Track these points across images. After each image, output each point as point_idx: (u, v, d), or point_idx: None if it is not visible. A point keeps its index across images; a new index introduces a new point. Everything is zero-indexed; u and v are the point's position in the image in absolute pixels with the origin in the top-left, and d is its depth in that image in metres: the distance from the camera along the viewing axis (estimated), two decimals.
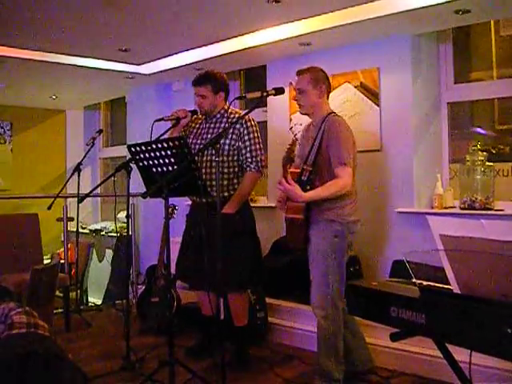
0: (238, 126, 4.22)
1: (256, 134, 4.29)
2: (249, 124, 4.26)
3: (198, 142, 4.37)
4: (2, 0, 4.01)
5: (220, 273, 3.33)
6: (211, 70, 4.43)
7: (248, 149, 4.25)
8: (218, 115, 4.38)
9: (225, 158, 4.23)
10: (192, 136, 4.44)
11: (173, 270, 4.52)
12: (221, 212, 3.54)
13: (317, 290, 3.63)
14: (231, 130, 4.21)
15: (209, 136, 4.33)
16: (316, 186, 3.58)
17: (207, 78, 4.33)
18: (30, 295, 4.04)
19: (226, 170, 4.25)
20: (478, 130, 4.95)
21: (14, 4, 4.10)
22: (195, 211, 4.44)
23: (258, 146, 4.28)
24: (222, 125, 4.33)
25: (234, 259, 4.11)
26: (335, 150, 3.56)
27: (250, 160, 4.25)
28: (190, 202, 4.65)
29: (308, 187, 3.57)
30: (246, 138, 4.25)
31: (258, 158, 4.26)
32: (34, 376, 1.32)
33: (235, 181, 4.30)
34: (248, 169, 4.26)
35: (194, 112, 4.37)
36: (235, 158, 4.27)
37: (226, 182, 4.26)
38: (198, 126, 4.49)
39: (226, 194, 4.26)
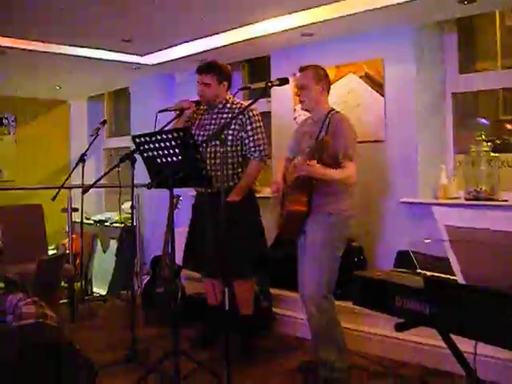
0: (240, 116, 4.24)
1: (258, 124, 4.32)
2: (251, 114, 4.29)
3: (201, 133, 4.39)
4: None
5: (225, 261, 3.35)
6: (215, 60, 4.44)
7: (251, 138, 4.28)
8: (220, 105, 4.39)
9: (228, 148, 4.25)
10: (194, 127, 4.45)
11: (178, 260, 4.52)
12: (226, 200, 3.54)
13: (310, 281, 3.66)
14: (233, 121, 4.23)
15: (212, 127, 4.36)
16: (321, 179, 3.60)
17: (212, 67, 4.35)
18: (35, 286, 4.05)
19: (230, 160, 4.28)
20: (482, 120, 4.94)
21: None
22: (200, 201, 4.47)
23: (260, 136, 4.32)
24: (225, 115, 4.36)
25: (239, 246, 4.13)
26: (343, 146, 3.61)
27: (253, 149, 4.28)
28: (194, 193, 4.66)
29: (314, 181, 3.60)
30: (249, 127, 4.27)
31: (262, 147, 4.31)
32: (44, 366, 1.32)
33: (239, 170, 4.33)
34: (252, 158, 4.30)
35: (197, 103, 4.37)
36: (238, 147, 4.31)
37: (230, 172, 4.30)
38: (200, 116, 4.50)
39: (231, 183, 4.30)
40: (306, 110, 3.95)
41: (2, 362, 1.35)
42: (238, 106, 4.39)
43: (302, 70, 3.90)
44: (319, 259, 3.64)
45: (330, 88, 3.94)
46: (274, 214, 4.04)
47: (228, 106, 4.39)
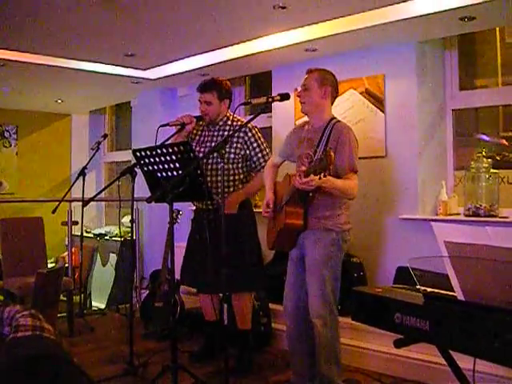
0: (241, 134, 4.28)
1: (262, 139, 4.38)
2: (254, 131, 4.33)
3: (202, 149, 4.40)
4: (8, 4, 4.04)
5: (224, 276, 3.33)
6: (217, 77, 4.46)
7: (260, 154, 4.32)
8: (221, 122, 4.41)
9: (230, 166, 4.28)
10: (195, 143, 4.46)
11: (177, 275, 4.52)
12: (224, 214, 3.50)
13: (316, 298, 3.58)
14: (235, 139, 4.26)
15: (212, 143, 4.37)
16: (320, 190, 3.50)
17: (213, 85, 4.36)
18: (34, 299, 4.04)
19: (231, 178, 4.30)
20: (483, 136, 4.94)
21: (20, 8, 4.12)
22: (199, 216, 4.47)
23: (267, 151, 4.38)
24: (225, 132, 4.38)
25: (236, 260, 4.13)
26: (347, 156, 3.53)
27: (262, 161, 4.32)
28: (193, 208, 4.66)
29: (310, 194, 3.52)
30: (255, 144, 4.32)
31: (268, 158, 4.31)
32: (41, 379, 1.32)
33: (240, 186, 4.35)
34: (261, 170, 4.29)
35: (199, 118, 4.38)
36: (239, 165, 4.33)
37: (231, 190, 4.32)
38: (199, 133, 4.51)
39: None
40: (305, 113, 3.81)
41: None
42: (239, 123, 4.40)
43: (309, 71, 3.77)
44: (323, 276, 3.57)
45: (335, 96, 3.80)
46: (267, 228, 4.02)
47: (229, 123, 4.40)
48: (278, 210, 3.78)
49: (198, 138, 4.50)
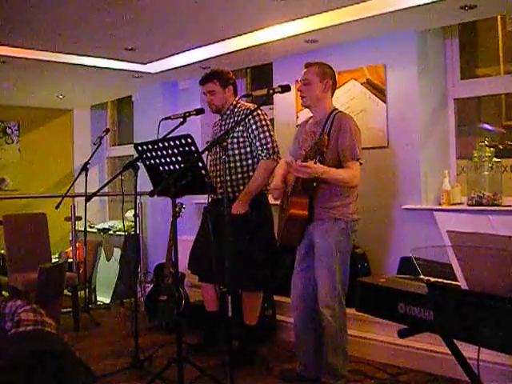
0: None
1: (264, 123, 4.27)
2: (257, 119, 4.26)
3: (211, 140, 4.42)
4: (7, 0, 4.03)
5: (229, 271, 3.31)
6: (216, 68, 4.48)
7: (257, 138, 4.24)
8: (228, 111, 4.41)
9: (232, 152, 4.25)
10: (212, 136, 4.51)
11: (181, 268, 4.53)
12: (230, 212, 3.50)
13: (324, 289, 3.61)
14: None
15: (220, 133, 4.36)
16: (323, 180, 3.52)
17: (214, 74, 4.40)
18: (37, 294, 4.05)
19: (237, 164, 4.28)
20: (486, 126, 4.93)
21: (19, 3, 4.11)
22: (209, 207, 4.47)
23: (267, 134, 4.25)
24: (232, 120, 4.36)
25: (247, 258, 4.12)
26: (348, 145, 3.55)
27: (260, 148, 4.23)
28: (197, 201, 4.66)
29: (314, 184, 3.52)
30: (254, 127, 4.24)
31: (269, 146, 4.23)
32: (42, 374, 1.32)
33: (250, 174, 4.28)
34: (260, 158, 4.24)
35: (199, 111, 4.37)
36: (246, 150, 4.29)
37: (239, 176, 4.29)
38: (216, 126, 4.55)
39: (241, 187, 4.28)
40: (306, 107, 3.86)
41: None
42: (243, 108, 4.38)
43: (307, 65, 3.81)
44: (332, 266, 3.59)
45: (335, 88, 3.85)
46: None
47: (235, 110, 4.39)
48: (286, 202, 3.78)
49: (215, 129, 4.53)
